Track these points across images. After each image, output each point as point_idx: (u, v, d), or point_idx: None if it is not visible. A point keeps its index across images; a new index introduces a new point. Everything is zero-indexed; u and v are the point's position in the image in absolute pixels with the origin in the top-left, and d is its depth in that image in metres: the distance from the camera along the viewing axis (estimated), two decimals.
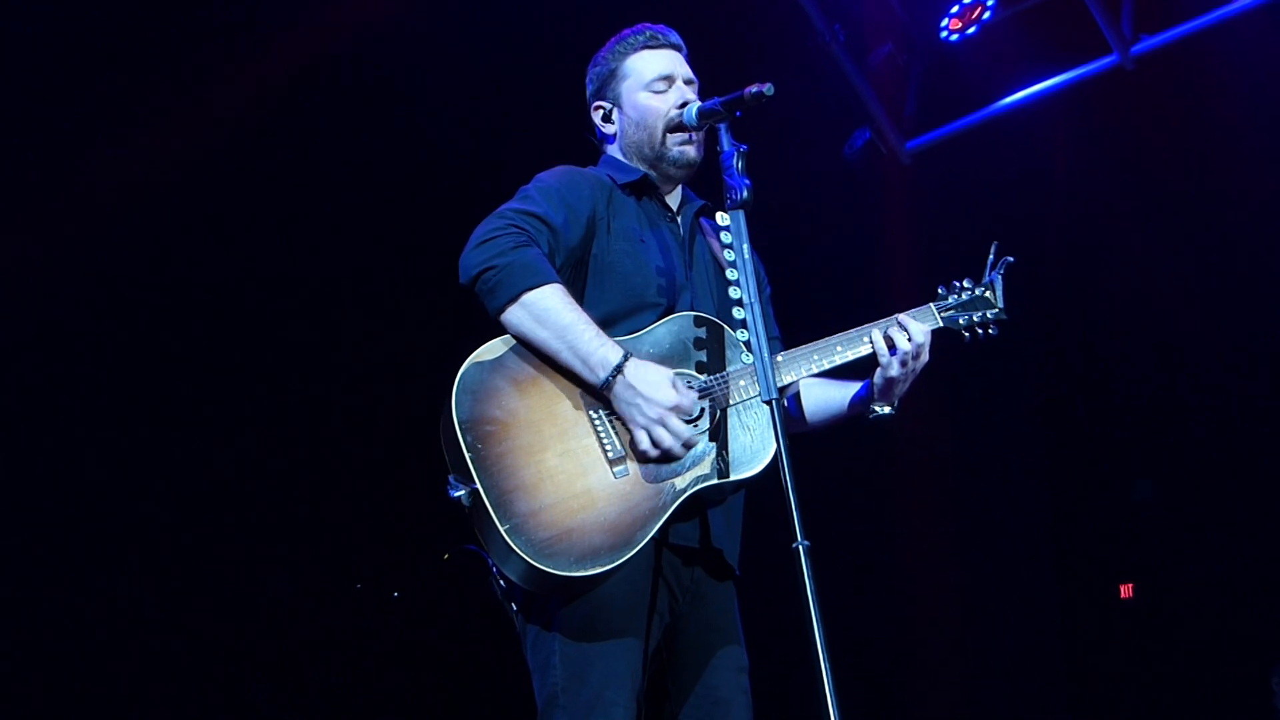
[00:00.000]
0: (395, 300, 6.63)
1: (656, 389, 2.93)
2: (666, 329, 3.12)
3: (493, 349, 3.00)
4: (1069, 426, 7.12)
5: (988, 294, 3.32)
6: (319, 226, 6.47)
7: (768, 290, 3.47)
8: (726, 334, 3.15)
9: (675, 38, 3.42)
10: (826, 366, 3.18)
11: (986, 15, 6.45)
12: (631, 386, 2.93)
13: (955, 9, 6.52)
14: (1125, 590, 6.84)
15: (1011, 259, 3.34)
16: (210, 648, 6.41)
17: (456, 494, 2.88)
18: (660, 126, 3.31)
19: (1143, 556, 6.77)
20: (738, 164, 2.97)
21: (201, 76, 5.93)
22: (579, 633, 2.94)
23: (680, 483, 2.98)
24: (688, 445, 2.96)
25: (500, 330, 3.02)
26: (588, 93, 3.47)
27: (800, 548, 2.65)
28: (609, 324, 3.07)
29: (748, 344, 3.00)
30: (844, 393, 3.30)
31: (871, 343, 3.17)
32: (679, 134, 3.29)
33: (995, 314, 3.32)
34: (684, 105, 3.29)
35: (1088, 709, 6.79)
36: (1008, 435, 7.21)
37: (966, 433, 7.19)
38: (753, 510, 3.28)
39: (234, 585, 6.50)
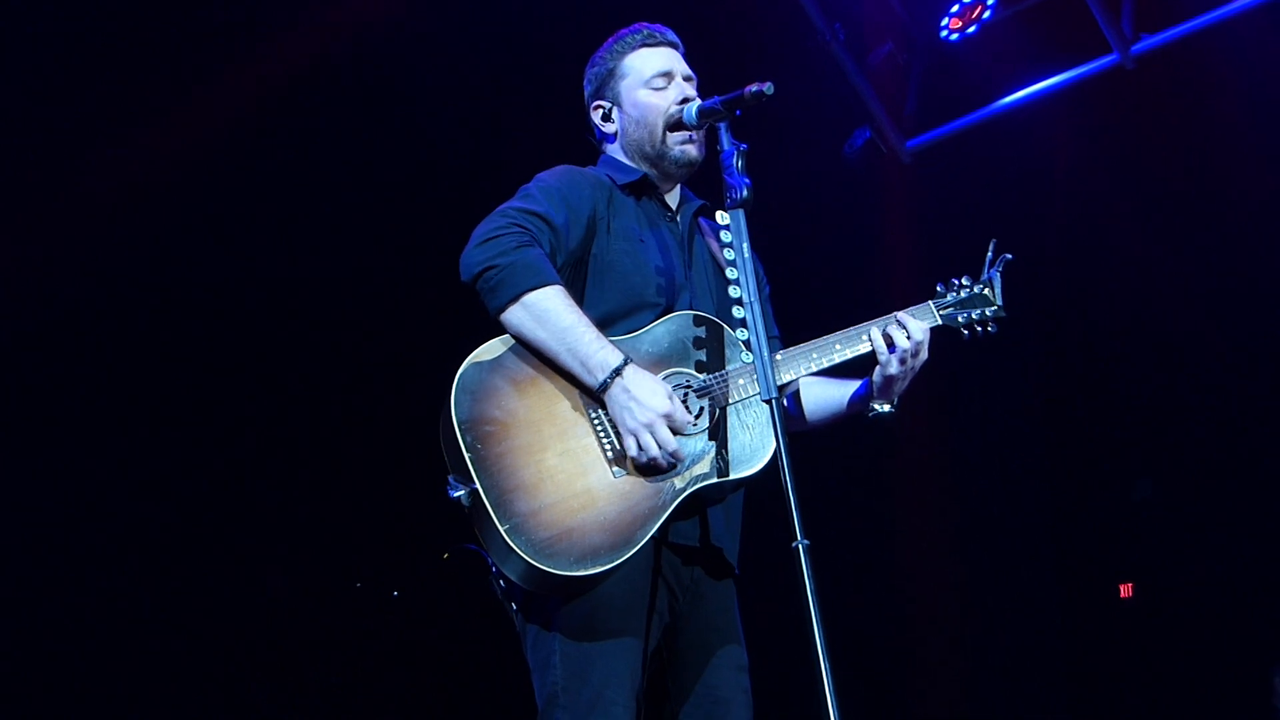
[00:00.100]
0: (395, 300, 6.63)
1: (651, 396, 2.93)
2: (665, 328, 3.13)
3: (492, 349, 3.00)
4: (1069, 426, 7.11)
5: (986, 291, 3.32)
6: (319, 226, 6.47)
7: (766, 289, 3.47)
8: (726, 333, 3.15)
9: (672, 36, 3.43)
10: (825, 365, 3.19)
11: (987, 14, 6.45)
12: (627, 390, 2.93)
13: (955, 8, 6.51)
14: (1125, 590, 6.83)
15: (1010, 256, 3.34)
16: (210, 647, 6.41)
17: (456, 494, 2.89)
18: (661, 123, 3.31)
19: (1142, 556, 6.76)
20: (738, 163, 2.97)
21: (201, 76, 5.92)
22: (579, 632, 2.94)
23: (680, 482, 2.99)
24: (676, 456, 2.95)
25: (499, 330, 3.03)
26: (586, 93, 3.47)
27: (800, 546, 2.66)
28: (608, 323, 3.08)
29: (747, 343, 3.00)
30: (843, 391, 3.30)
31: (870, 341, 3.18)
32: (679, 132, 3.30)
33: (994, 311, 3.32)
34: (684, 101, 3.30)
35: (1087, 708, 6.78)
36: (1007, 434, 7.20)
37: (966, 431, 7.19)
38: (752, 509, 3.28)
39: (234, 585, 6.50)
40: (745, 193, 2.94)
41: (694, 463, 3.01)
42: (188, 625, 6.34)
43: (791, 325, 3.46)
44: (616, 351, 2.97)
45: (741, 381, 3.08)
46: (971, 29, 6.49)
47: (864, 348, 3.19)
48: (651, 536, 2.93)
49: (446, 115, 6.34)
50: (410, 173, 6.48)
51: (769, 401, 2.80)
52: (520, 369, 2.99)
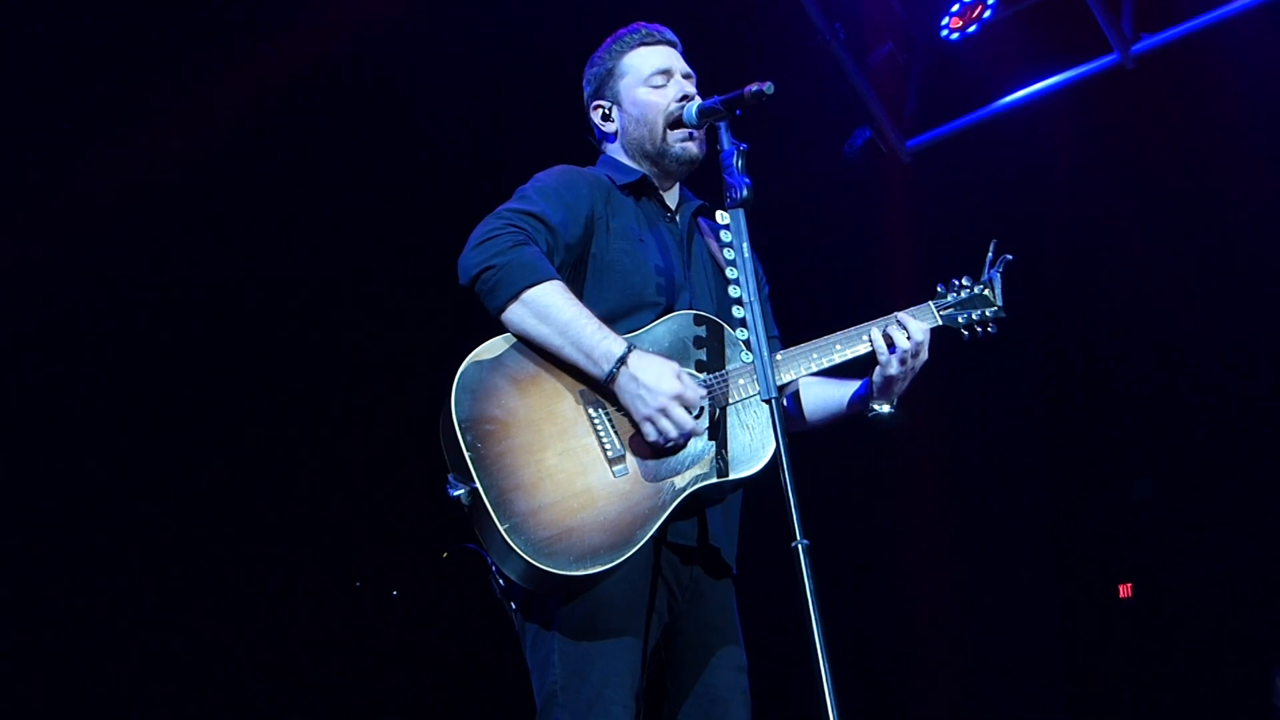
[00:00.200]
0: (395, 300, 6.63)
1: (660, 379, 2.94)
2: (666, 327, 3.13)
3: (492, 348, 3.00)
4: (1069, 426, 7.11)
5: (986, 292, 3.32)
6: (319, 226, 6.47)
7: (766, 289, 3.48)
8: (726, 333, 3.15)
9: (670, 34, 3.44)
10: (825, 365, 3.19)
11: (987, 14, 6.45)
12: (635, 378, 2.93)
13: (956, 8, 6.51)
14: (1125, 589, 6.83)
15: (1010, 256, 3.34)
16: (210, 647, 6.41)
17: (456, 493, 2.88)
18: (661, 121, 3.31)
19: (1142, 556, 6.76)
20: (738, 162, 2.98)
21: (201, 76, 5.92)
22: (578, 631, 2.95)
23: (680, 481, 2.99)
24: (693, 434, 2.96)
25: (500, 329, 3.03)
26: (585, 93, 3.47)
27: (800, 546, 2.65)
28: (608, 323, 3.07)
29: (747, 343, 3.00)
30: (843, 391, 3.31)
31: (870, 341, 3.18)
32: (680, 130, 3.30)
33: (994, 312, 3.32)
34: (684, 99, 3.31)
35: (1087, 708, 6.78)
36: (1007, 434, 7.20)
37: (966, 431, 7.19)
38: (752, 509, 3.28)
39: (234, 584, 6.49)
40: (745, 192, 2.94)
41: (694, 462, 3.01)
42: (188, 625, 6.34)
43: (791, 325, 3.46)
44: (619, 340, 2.97)
45: (741, 381, 3.08)
46: (972, 28, 6.50)
47: (864, 348, 3.19)
48: (651, 536, 2.93)
49: (446, 115, 6.34)
50: (410, 173, 6.48)
51: (769, 401, 2.80)
52: (521, 368, 3.00)
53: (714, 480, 3.01)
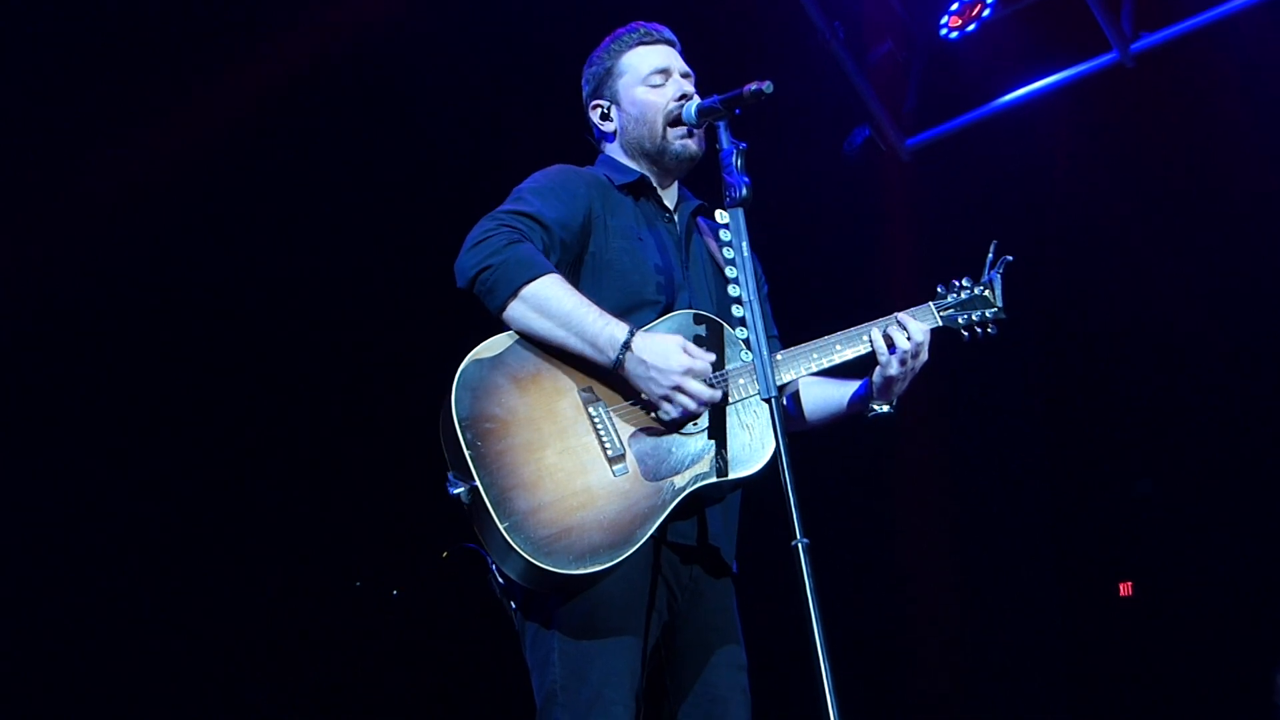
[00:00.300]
0: (395, 300, 6.63)
1: (667, 358, 2.94)
2: (666, 326, 3.12)
3: (492, 346, 3.00)
4: (1069, 426, 7.11)
5: (987, 293, 3.32)
6: (319, 226, 6.47)
7: (765, 288, 3.47)
8: (726, 332, 3.15)
9: (669, 33, 3.44)
10: (825, 365, 3.19)
11: (986, 12, 6.45)
12: (643, 361, 2.94)
13: (955, 6, 6.51)
14: (1125, 588, 6.83)
15: (1010, 258, 3.34)
16: (210, 647, 6.41)
17: (456, 491, 2.88)
18: (660, 120, 3.31)
19: (1142, 554, 6.76)
20: (737, 161, 2.97)
21: (201, 76, 5.92)
22: (578, 630, 2.94)
23: (679, 481, 2.99)
24: (711, 403, 2.97)
25: (501, 328, 3.03)
26: (584, 93, 3.47)
27: (799, 545, 2.65)
28: None
29: (746, 342, 3.00)
30: (843, 391, 3.31)
31: (870, 341, 3.18)
32: (679, 128, 3.30)
33: (994, 313, 3.32)
34: (682, 98, 3.30)
35: (1087, 707, 6.78)
36: (1007, 434, 7.20)
37: (966, 431, 7.19)
38: (752, 508, 3.28)
39: (233, 584, 6.50)
40: (744, 191, 2.94)
41: (694, 462, 3.01)
42: (188, 625, 6.34)
43: (791, 325, 3.46)
44: (621, 325, 2.97)
45: (741, 381, 3.08)
46: (971, 27, 6.50)
47: (864, 348, 3.19)
48: (651, 535, 2.93)
49: (446, 115, 6.34)
50: (410, 173, 6.48)
51: (769, 400, 2.80)
52: (521, 366, 3.00)
53: (714, 480, 3.01)
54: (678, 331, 3.11)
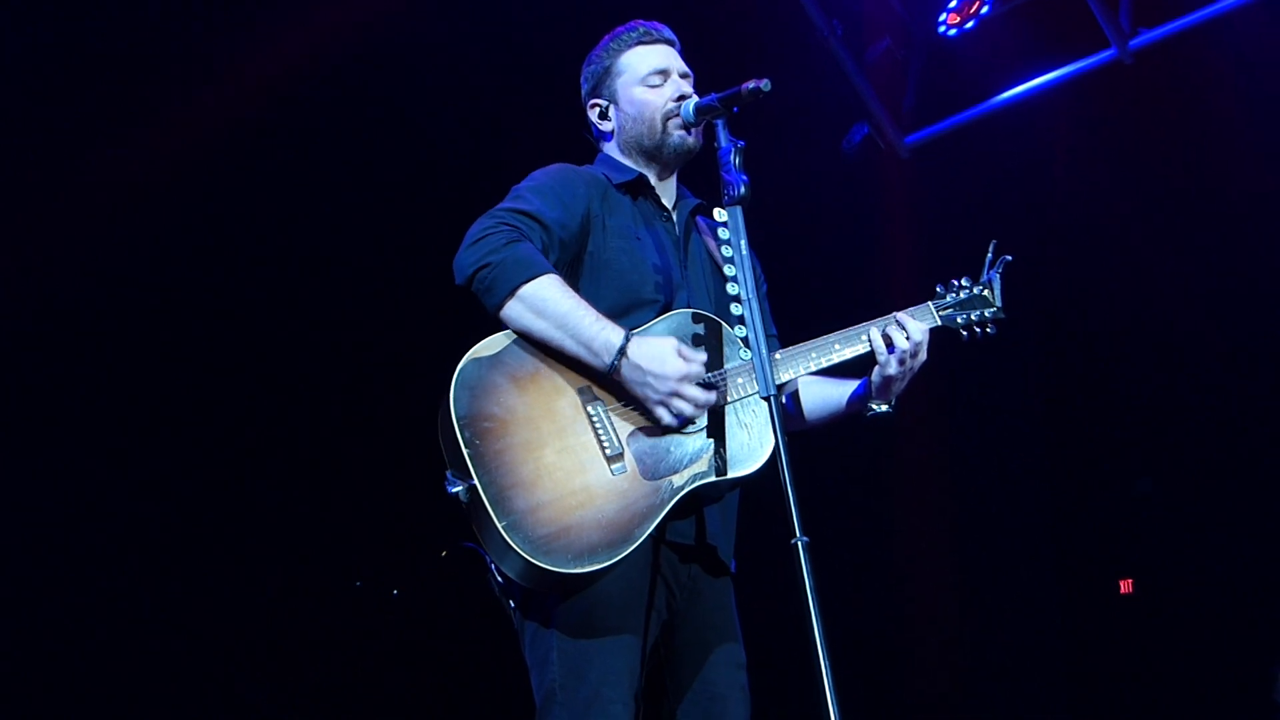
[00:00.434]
0: (395, 300, 6.64)
1: (663, 363, 2.94)
2: (665, 325, 3.12)
3: (491, 345, 3.00)
4: (1068, 425, 7.11)
5: (986, 293, 3.32)
6: (319, 226, 6.47)
7: (764, 287, 3.47)
8: (725, 331, 3.15)
9: (668, 33, 3.43)
10: (824, 364, 3.18)
11: (984, 10, 6.45)
12: (639, 366, 2.93)
13: (953, 3, 6.51)
14: (1125, 586, 6.83)
15: (1010, 258, 3.34)
16: (210, 647, 6.42)
17: (454, 490, 2.88)
18: (659, 120, 3.31)
19: (1142, 553, 6.76)
20: (735, 160, 2.97)
21: (202, 76, 5.93)
22: (577, 629, 2.94)
23: (678, 480, 2.98)
24: (708, 406, 2.97)
25: (499, 327, 3.03)
26: (583, 91, 3.47)
27: (799, 544, 2.65)
28: None
29: (745, 340, 3.00)
30: (842, 390, 3.30)
31: (869, 341, 3.17)
32: (676, 123, 3.30)
33: (994, 313, 3.32)
34: (681, 98, 3.30)
35: (1087, 705, 6.78)
36: (1007, 433, 7.20)
37: (966, 431, 7.19)
38: (751, 506, 3.28)
39: (233, 584, 6.50)
40: (743, 190, 2.94)
41: (692, 461, 3.01)
42: (188, 625, 6.35)
43: (791, 324, 3.46)
44: (618, 329, 2.97)
45: (740, 380, 3.08)
46: (969, 24, 6.50)
47: (863, 348, 3.18)
48: (649, 534, 2.93)
49: (446, 115, 6.34)
50: (410, 173, 6.48)
51: (768, 399, 2.80)
52: (520, 365, 2.99)
53: (712, 479, 3.01)
54: (675, 331, 3.10)
